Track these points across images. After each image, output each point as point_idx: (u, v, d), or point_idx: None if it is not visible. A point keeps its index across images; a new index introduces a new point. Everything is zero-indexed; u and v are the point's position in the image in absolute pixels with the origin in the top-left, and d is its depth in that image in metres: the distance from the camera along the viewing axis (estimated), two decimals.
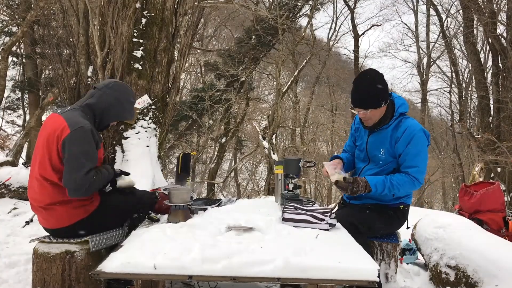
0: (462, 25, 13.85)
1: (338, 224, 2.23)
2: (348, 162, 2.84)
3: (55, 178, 2.16)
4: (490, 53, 13.05)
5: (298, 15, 15.86)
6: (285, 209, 2.26)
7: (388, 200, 2.54)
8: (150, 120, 5.13)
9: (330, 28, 18.90)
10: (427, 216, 3.49)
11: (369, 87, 2.43)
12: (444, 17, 16.99)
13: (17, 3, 11.34)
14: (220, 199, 2.98)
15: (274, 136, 13.79)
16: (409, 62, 20.58)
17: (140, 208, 2.52)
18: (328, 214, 2.14)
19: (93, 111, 2.32)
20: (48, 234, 2.35)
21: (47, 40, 6.66)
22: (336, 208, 2.90)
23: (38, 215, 2.33)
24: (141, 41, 5.16)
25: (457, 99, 18.05)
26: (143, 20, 5.17)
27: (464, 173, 15.59)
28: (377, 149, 2.56)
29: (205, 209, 2.50)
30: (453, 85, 18.76)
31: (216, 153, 16.04)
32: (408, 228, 2.83)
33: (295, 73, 15.15)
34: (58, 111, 2.33)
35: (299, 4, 15.32)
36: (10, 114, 15.37)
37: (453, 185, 18.91)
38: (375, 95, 2.41)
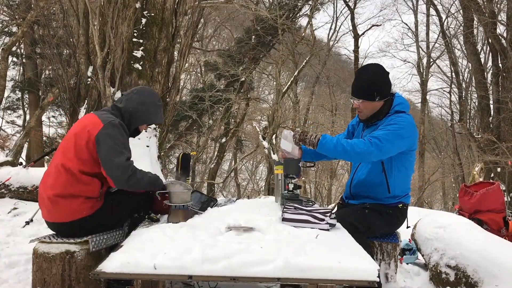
0: (462, 25, 13.86)
1: (338, 224, 2.23)
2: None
3: (75, 169, 2.21)
4: (490, 53, 13.07)
5: (298, 15, 15.88)
6: (285, 209, 2.26)
7: (387, 199, 2.54)
8: None
9: (330, 28, 18.91)
10: (427, 216, 3.49)
11: (368, 79, 2.46)
12: (444, 17, 17.00)
13: (17, 3, 11.36)
14: (216, 199, 2.96)
15: (274, 136, 13.79)
16: (409, 62, 20.60)
17: (140, 208, 2.52)
18: (328, 214, 2.14)
19: (121, 114, 2.44)
20: (49, 234, 2.35)
21: (47, 40, 6.67)
22: (336, 208, 2.90)
23: (42, 209, 2.33)
24: (141, 41, 5.16)
25: (457, 99, 18.07)
26: (143, 20, 5.18)
27: (464, 173, 15.60)
28: None
29: (204, 210, 2.50)
30: (453, 85, 18.77)
31: (216, 153, 16.05)
32: (408, 227, 2.83)
33: (295, 73, 15.16)
34: (92, 112, 2.49)
35: (299, 4, 15.33)
36: (10, 114, 15.40)
37: (453, 185, 18.92)
38: (371, 88, 2.43)
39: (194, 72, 17.75)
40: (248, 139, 19.64)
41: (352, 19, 17.72)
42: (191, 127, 15.48)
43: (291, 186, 2.64)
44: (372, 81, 2.45)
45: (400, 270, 3.14)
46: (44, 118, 13.01)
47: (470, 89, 17.60)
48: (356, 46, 17.72)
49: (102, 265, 1.62)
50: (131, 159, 2.30)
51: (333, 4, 17.71)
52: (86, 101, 5.65)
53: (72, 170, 2.21)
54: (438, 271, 2.76)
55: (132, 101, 2.45)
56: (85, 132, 2.24)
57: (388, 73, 2.50)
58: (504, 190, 8.86)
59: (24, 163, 6.06)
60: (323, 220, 2.11)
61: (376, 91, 2.44)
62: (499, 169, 10.26)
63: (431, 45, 19.06)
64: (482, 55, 15.26)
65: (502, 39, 11.42)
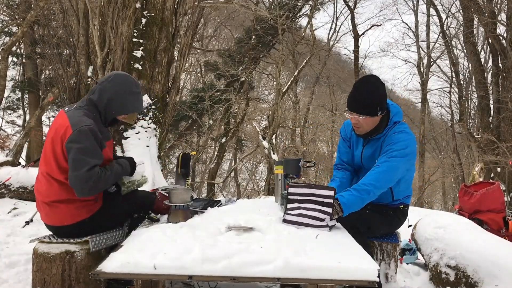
0: (462, 25, 13.86)
1: (338, 224, 2.23)
2: (344, 183, 2.61)
3: (61, 178, 2.16)
4: (490, 53, 13.08)
5: (298, 15, 15.87)
6: (287, 211, 2.24)
7: (388, 200, 2.53)
8: (150, 120, 5.13)
9: (330, 28, 18.94)
10: (427, 216, 3.49)
11: (370, 93, 2.35)
12: (444, 17, 17.01)
13: (17, 3, 11.35)
14: (220, 200, 2.97)
15: (274, 136, 13.79)
16: (410, 62, 20.61)
17: (140, 208, 2.52)
18: (329, 212, 2.13)
19: (96, 107, 2.28)
20: (49, 234, 2.35)
21: (47, 40, 6.67)
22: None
23: (40, 211, 2.31)
24: (141, 41, 5.16)
25: (457, 99, 18.08)
26: (143, 20, 5.18)
27: (464, 173, 15.60)
28: (372, 161, 2.51)
29: (203, 212, 2.50)
30: (453, 85, 18.80)
31: (216, 153, 16.03)
32: (409, 226, 2.82)
33: (295, 73, 15.15)
34: (66, 108, 2.32)
35: (299, 4, 15.32)
36: (10, 114, 15.40)
37: (453, 185, 18.94)
38: (374, 103, 2.35)
39: (194, 72, 17.75)
40: (248, 139, 19.64)
41: (352, 19, 17.73)
42: (191, 127, 15.46)
43: None
44: (375, 97, 2.36)
45: (400, 270, 3.14)
46: (44, 118, 13.01)
47: (470, 89, 17.62)
48: (356, 46, 17.73)
49: (102, 265, 1.62)
50: (96, 166, 2.12)
51: (333, 4, 17.74)
52: None
53: (58, 179, 2.17)
54: (438, 271, 2.75)
55: (106, 92, 2.27)
56: (59, 139, 2.15)
57: (384, 84, 2.45)
58: (504, 190, 8.85)
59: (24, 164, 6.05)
60: (323, 220, 2.11)
61: (379, 106, 2.37)
62: (499, 169, 10.26)
63: (431, 45, 19.10)
64: (482, 55, 15.29)
65: (502, 39, 11.43)
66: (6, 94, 12.27)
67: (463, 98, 16.88)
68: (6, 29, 12.56)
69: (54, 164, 2.16)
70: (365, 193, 2.24)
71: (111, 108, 2.30)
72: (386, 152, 2.37)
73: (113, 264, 1.62)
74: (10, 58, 11.94)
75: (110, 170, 2.23)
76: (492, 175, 10.54)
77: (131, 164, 2.46)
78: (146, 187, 2.65)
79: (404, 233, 2.94)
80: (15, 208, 4.42)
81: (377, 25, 19.05)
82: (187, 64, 13.89)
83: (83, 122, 2.16)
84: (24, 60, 13.16)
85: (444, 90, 20.66)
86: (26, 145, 11.83)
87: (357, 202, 2.22)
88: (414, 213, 3.36)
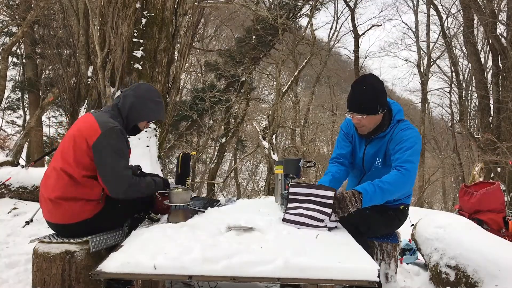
0: (462, 25, 13.86)
1: (338, 224, 2.23)
2: (337, 178, 2.62)
3: (76, 174, 2.19)
4: (490, 53, 13.07)
5: (298, 15, 15.87)
6: (287, 210, 2.24)
7: (389, 201, 2.53)
8: None
9: (331, 28, 18.97)
10: (427, 216, 3.49)
11: (368, 92, 2.35)
12: (444, 17, 17.01)
13: (17, 3, 11.34)
14: (219, 200, 2.97)
15: (274, 136, 13.78)
16: (410, 61, 20.60)
17: (140, 208, 2.52)
18: (329, 213, 2.13)
19: (120, 113, 2.39)
20: (49, 234, 2.35)
21: (47, 40, 6.69)
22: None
23: (43, 209, 2.32)
24: (141, 41, 5.16)
25: (457, 99, 18.08)
26: (143, 20, 5.18)
27: (464, 173, 15.62)
28: (374, 160, 2.51)
29: (203, 212, 2.50)
30: (453, 85, 18.80)
31: (216, 153, 16.04)
32: (412, 225, 2.81)
33: (295, 73, 15.15)
34: (92, 111, 2.43)
35: (300, 4, 15.32)
36: (10, 114, 15.40)
37: (453, 185, 18.95)
38: (374, 101, 2.34)
39: (194, 72, 17.74)
40: (248, 139, 19.63)
41: (353, 19, 17.76)
42: (191, 127, 15.46)
43: None
44: (375, 95, 2.35)
45: (400, 270, 3.14)
46: (44, 118, 13.02)
47: (470, 89, 17.65)
48: (357, 46, 17.75)
49: (102, 265, 1.62)
50: (128, 167, 2.27)
51: (334, 4, 17.76)
52: (86, 101, 5.66)
53: (73, 175, 2.19)
54: (438, 271, 2.75)
55: (129, 98, 2.39)
56: (82, 138, 2.19)
57: (383, 82, 2.45)
58: (504, 190, 8.85)
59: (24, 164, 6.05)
60: (322, 221, 2.11)
61: (379, 104, 2.36)
62: (499, 169, 10.26)
63: (431, 45, 19.09)
64: (482, 55, 15.30)
65: (502, 39, 11.43)
66: (6, 94, 12.26)
67: (463, 98, 16.89)
68: (6, 29, 12.56)
69: (72, 160, 2.19)
70: (388, 192, 2.25)
71: (133, 113, 2.40)
72: (399, 151, 2.36)
73: (113, 264, 1.62)
74: (10, 58, 11.95)
75: (144, 184, 2.34)
76: (492, 175, 10.53)
77: (165, 183, 2.53)
78: None
79: (404, 233, 2.94)
80: (15, 208, 4.42)
81: (378, 25, 19.08)
82: (187, 64, 13.88)
83: (111, 122, 2.26)
84: (24, 60, 13.16)
85: (444, 90, 20.70)
86: (26, 145, 11.82)
87: (377, 199, 2.23)
88: (414, 213, 3.36)
